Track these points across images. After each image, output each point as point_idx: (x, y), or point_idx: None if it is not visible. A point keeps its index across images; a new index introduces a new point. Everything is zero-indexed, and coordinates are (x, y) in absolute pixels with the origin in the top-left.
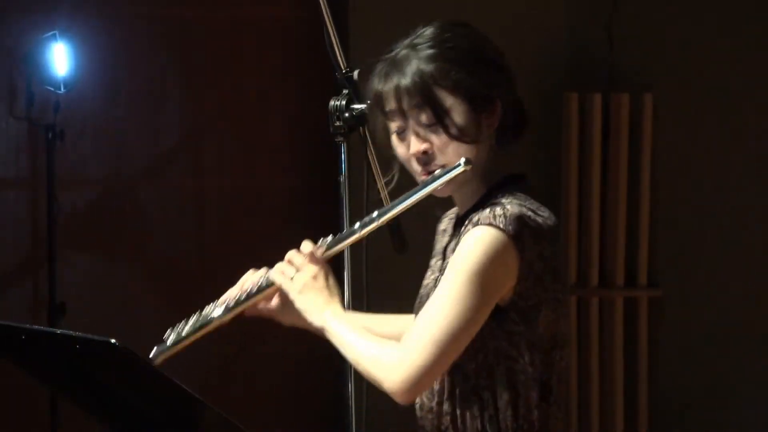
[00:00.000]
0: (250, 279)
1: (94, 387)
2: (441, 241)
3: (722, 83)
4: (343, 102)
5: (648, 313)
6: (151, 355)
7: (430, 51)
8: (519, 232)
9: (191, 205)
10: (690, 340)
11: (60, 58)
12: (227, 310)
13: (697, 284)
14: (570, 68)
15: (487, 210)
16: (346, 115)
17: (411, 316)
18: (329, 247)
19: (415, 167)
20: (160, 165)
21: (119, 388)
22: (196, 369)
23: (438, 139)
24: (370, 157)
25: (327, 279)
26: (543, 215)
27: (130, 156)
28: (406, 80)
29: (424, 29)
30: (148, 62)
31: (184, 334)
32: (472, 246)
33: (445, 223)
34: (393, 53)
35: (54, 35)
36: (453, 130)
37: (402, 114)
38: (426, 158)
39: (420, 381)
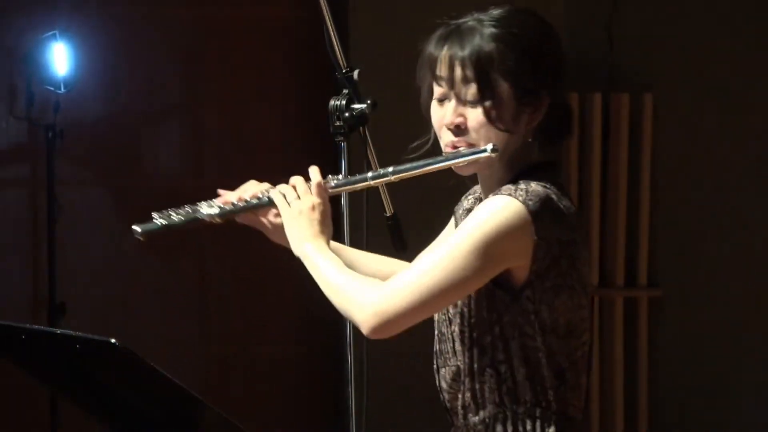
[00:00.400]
0: (252, 189)
1: (94, 387)
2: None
3: (722, 83)
4: (343, 102)
5: (648, 313)
6: (135, 227)
7: (494, 30)
8: (539, 211)
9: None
10: (690, 340)
11: (60, 58)
12: (222, 212)
13: (697, 284)
14: (570, 68)
15: (511, 184)
16: (346, 115)
17: (400, 261)
18: (337, 184)
19: (444, 137)
20: (160, 165)
21: (119, 388)
22: (196, 369)
23: (474, 118)
24: (370, 157)
25: (323, 215)
26: (566, 204)
27: (129, 156)
28: (463, 52)
29: (494, 9)
30: (148, 62)
31: (175, 221)
32: (486, 211)
33: (470, 203)
34: (456, 22)
35: (54, 35)
36: (492, 114)
37: (450, 82)
38: (457, 132)
39: (392, 322)
